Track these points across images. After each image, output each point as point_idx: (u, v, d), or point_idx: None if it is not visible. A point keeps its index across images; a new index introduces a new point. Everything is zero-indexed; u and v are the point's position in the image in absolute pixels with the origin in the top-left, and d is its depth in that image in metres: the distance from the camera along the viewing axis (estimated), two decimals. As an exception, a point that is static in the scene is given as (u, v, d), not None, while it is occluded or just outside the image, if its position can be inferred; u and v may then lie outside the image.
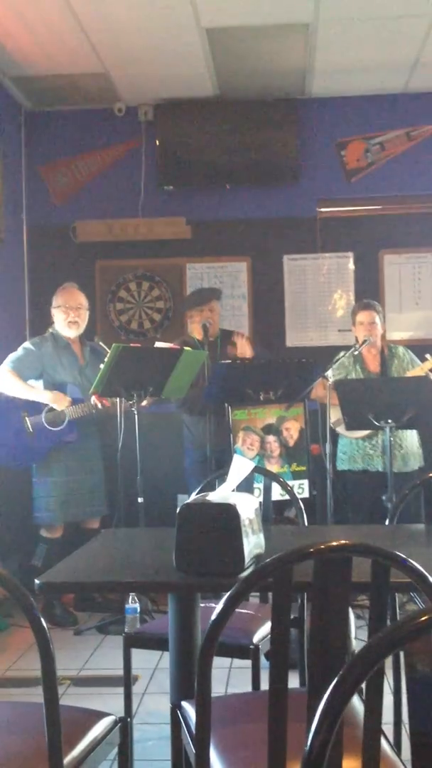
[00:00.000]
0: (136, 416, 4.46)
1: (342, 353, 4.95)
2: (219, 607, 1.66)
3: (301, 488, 4.67)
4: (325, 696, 1.13)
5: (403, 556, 1.62)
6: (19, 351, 4.88)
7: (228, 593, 1.67)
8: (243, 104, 5.95)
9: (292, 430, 4.71)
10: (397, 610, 2.63)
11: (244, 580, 1.67)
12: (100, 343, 4.91)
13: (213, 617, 1.66)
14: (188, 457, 5.17)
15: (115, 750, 2.12)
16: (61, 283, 5.12)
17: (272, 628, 1.68)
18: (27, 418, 4.73)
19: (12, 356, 4.86)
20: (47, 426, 4.73)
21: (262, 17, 4.80)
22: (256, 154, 5.95)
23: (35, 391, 4.78)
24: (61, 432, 4.74)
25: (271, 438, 4.66)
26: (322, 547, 1.61)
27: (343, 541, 1.61)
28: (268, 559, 1.66)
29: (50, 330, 4.99)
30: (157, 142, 6.01)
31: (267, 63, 5.44)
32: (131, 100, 6.03)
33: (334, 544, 1.61)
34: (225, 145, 5.95)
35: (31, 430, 4.73)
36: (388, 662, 2.16)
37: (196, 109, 5.98)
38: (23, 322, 5.99)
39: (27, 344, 4.93)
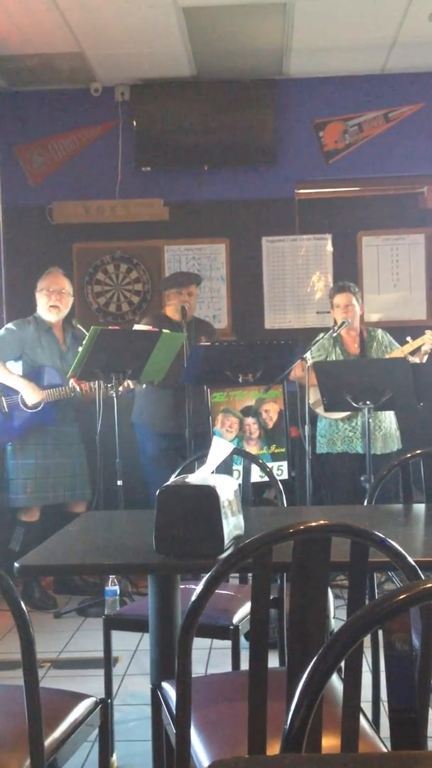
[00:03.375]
0: (114, 400, 4.45)
1: (321, 335, 4.97)
2: (199, 587, 1.66)
3: (280, 470, 4.68)
4: (305, 674, 1.14)
5: (382, 535, 1.63)
6: (1, 332, 4.88)
7: (208, 574, 1.67)
8: (220, 84, 5.91)
9: (271, 412, 4.72)
10: (375, 590, 2.66)
11: (225, 561, 1.67)
12: (78, 326, 4.89)
13: (193, 598, 1.66)
14: (148, 442, 5.13)
15: (96, 731, 2.12)
16: (37, 266, 5.10)
17: (252, 608, 1.69)
18: (3, 398, 4.73)
19: None
20: (23, 407, 4.73)
21: (240, -4, 4.77)
22: (234, 135, 5.92)
23: (11, 377, 4.76)
24: (38, 413, 4.73)
25: (250, 420, 4.67)
26: (302, 527, 1.61)
27: (322, 521, 1.62)
28: (247, 540, 1.67)
29: (35, 313, 4.99)
30: (134, 123, 5.96)
31: (244, 42, 5.40)
32: (107, 80, 5.97)
33: (314, 524, 1.62)
34: (202, 125, 5.92)
35: (6, 410, 4.73)
36: (366, 641, 2.18)
37: (173, 90, 5.93)
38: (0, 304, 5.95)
39: (9, 325, 4.94)
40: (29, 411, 4.73)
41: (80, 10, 4.85)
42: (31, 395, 4.71)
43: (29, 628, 1.76)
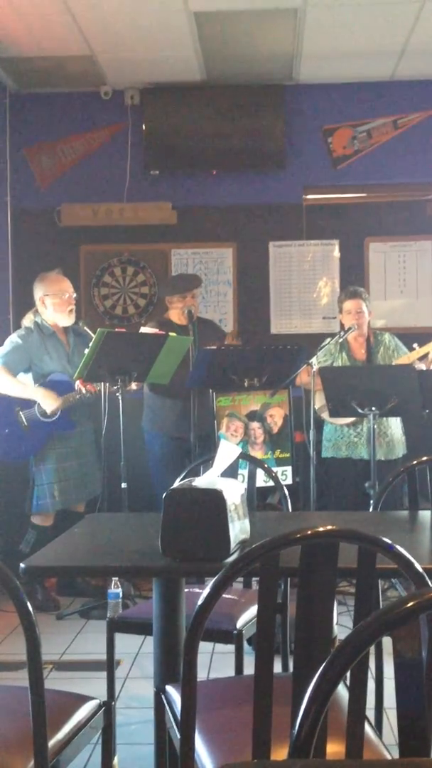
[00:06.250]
0: (120, 401, 4.45)
1: (328, 340, 4.96)
2: (206, 591, 1.66)
3: (285, 475, 4.68)
4: (314, 680, 1.13)
5: (389, 541, 1.63)
6: (7, 346, 4.82)
7: (215, 577, 1.67)
8: (230, 89, 5.92)
9: (276, 417, 4.72)
10: (380, 597, 2.65)
11: (233, 565, 1.67)
12: (85, 328, 4.87)
13: (200, 601, 1.66)
14: (158, 446, 5.14)
15: (98, 734, 2.12)
16: (45, 268, 5.07)
17: (259, 612, 1.68)
18: (21, 413, 4.71)
19: (1, 352, 4.82)
20: (41, 418, 4.72)
21: (251, 1, 4.77)
22: (243, 140, 5.92)
23: (26, 389, 4.74)
24: (56, 423, 4.72)
25: (255, 424, 4.67)
26: (309, 532, 1.61)
27: (330, 527, 1.62)
28: (255, 544, 1.67)
29: (34, 319, 4.92)
30: (144, 127, 5.97)
31: (255, 48, 5.41)
32: (118, 84, 5.98)
33: (321, 529, 1.62)
34: (212, 130, 5.92)
35: (26, 423, 4.71)
36: (371, 649, 2.17)
37: (183, 94, 5.94)
38: (7, 306, 5.95)
39: (14, 338, 4.86)
40: (46, 421, 4.72)
41: (92, 14, 4.87)
42: (49, 403, 4.69)
43: (35, 629, 1.76)
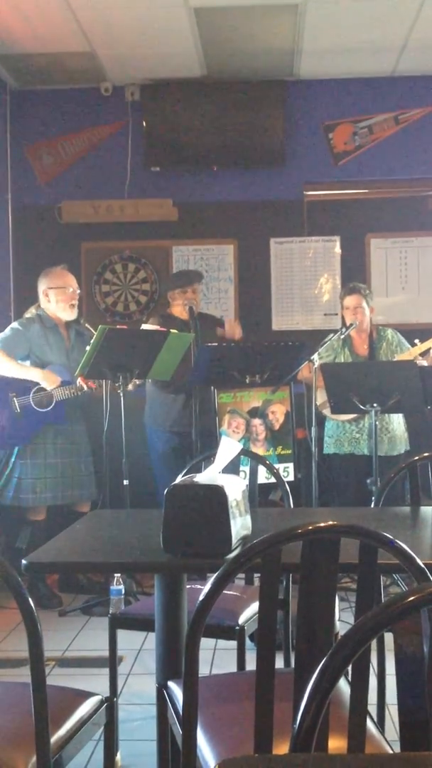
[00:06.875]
0: (122, 399, 4.45)
1: (330, 336, 4.96)
2: (207, 587, 1.66)
3: (286, 471, 4.68)
4: (314, 675, 1.13)
5: (391, 537, 1.62)
6: (7, 331, 4.86)
7: (217, 573, 1.66)
8: (231, 85, 5.91)
9: (278, 414, 4.72)
10: (382, 592, 2.65)
11: (234, 560, 1.67)
12: (86, 325, 4.89)
13: (201, 597, 1.66)
14: (159, 441, 5.14)
15: (101, 730, 2.12)
16: (46, 264, 5.08)
17: (260, 608, 1.68)
18: (15, 399, 4.72)
19: (0, 336, 4.83)
20: (35, 407, 4.72)
21: (251, -3, 4.77)
22: (244, 136, 5.92)
23: (25, 369, 4.75)
24: (49, 413, 4.72)
25: (256, 421, 4.67)
26: (311, 527, 1.61)
27: (331, 522, 1.62)
28: (256, 540, 1.66)
29: (35, 311, 4.95)
30: (144, 123, 5.96)
31: (255, 44, 5.40)
32: (118, 80, 5.98)
33: (323, 524, 1.61)
34: (212, 126, 5.92)
35: (18, 410, 4.72)
36: (372, 644, 2.17)
37: (183, 90, 5.93)
38: (8, 302, 5.95)
39: (15, 324, 4.91)
40: (40, 410, 4.72)
41: (91, 10, 4.86)
42: (48, 382, 4.70)
43: (37, 624, 1.75)
